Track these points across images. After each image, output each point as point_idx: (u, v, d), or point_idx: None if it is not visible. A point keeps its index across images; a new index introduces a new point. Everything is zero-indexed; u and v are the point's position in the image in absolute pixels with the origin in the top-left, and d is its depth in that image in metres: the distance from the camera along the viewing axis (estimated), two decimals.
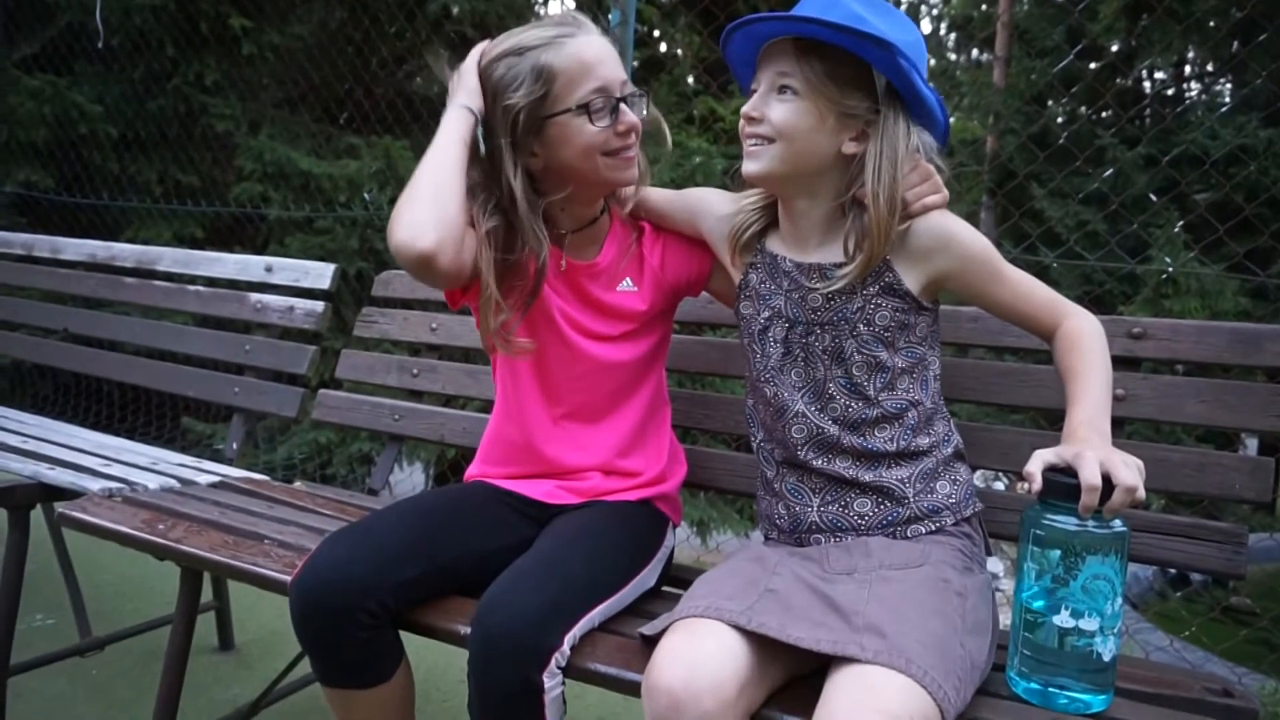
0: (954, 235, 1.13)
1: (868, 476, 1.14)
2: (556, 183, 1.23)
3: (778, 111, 1.10)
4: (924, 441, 1.15)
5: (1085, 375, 1.09)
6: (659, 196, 1.36)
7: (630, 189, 1.31)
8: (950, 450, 1.18)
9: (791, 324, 1.18)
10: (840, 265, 1.14)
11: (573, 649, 1.02)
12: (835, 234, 1.16)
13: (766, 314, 1.21)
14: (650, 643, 1.01)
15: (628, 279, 1.33)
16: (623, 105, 1.20)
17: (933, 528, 1.13)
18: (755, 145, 1.13)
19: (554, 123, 1.18)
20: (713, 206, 1.31)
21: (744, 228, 1.24)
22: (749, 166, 1.14)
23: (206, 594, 2.05)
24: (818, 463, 1.16)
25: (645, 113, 1.25)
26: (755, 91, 1.14)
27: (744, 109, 1.15)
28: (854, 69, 1.08)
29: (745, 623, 0.93)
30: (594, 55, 1.18)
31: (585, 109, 1.17)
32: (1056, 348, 1.15)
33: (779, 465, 1.22)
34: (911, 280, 1.14)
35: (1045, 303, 1.16)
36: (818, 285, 1.15)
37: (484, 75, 1.20)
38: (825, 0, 1.09)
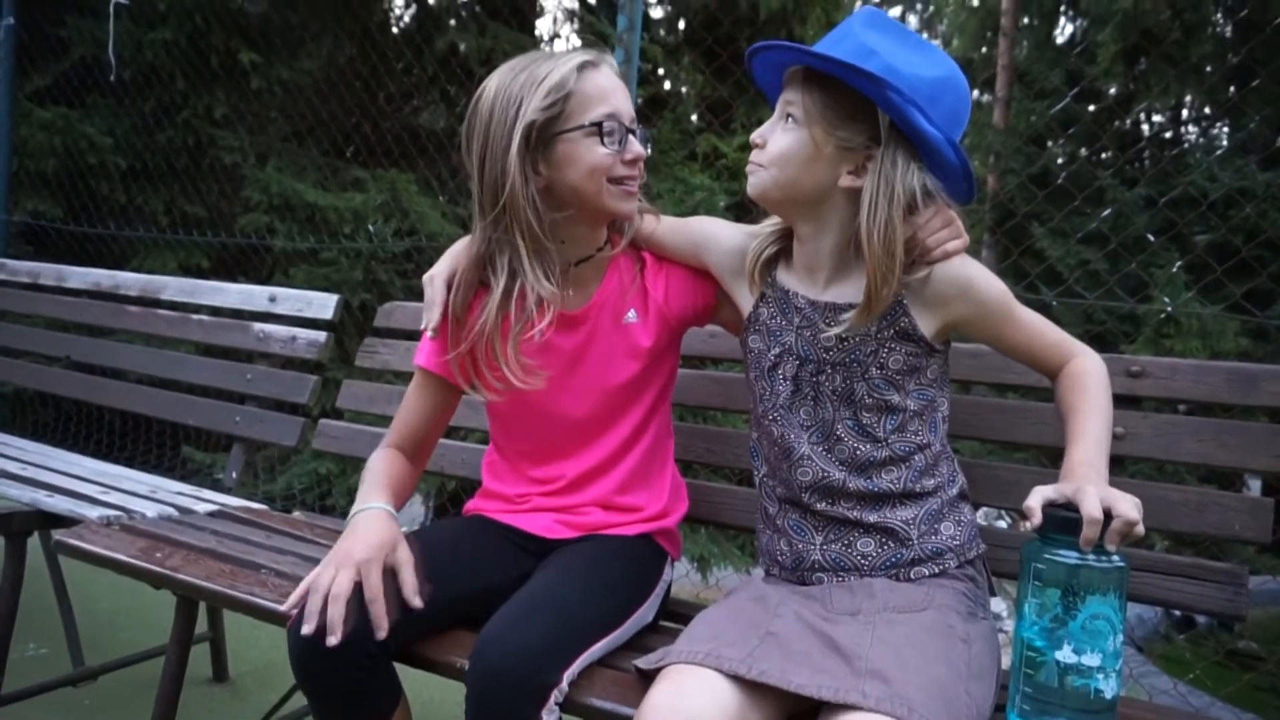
0: (972, 282, 1.12)
1: (872, 517, 1.13)
2: (558, 205, 1.23)
3: (778, 140, 1.11)
4: (929, 483, 1.14)
5: (1085, 414, 1.09)
6: (661, 227, 1.34)
7: (630, 222, 1.31)
8: (955, 491, 1.17)
9: (802, 361, 1.16)
10: (854, 305, 1.11)
11: (570, 685, 1.01)
12: (847, 272, 1.15)
13: (777, 350, 1.19)
14: (644, 676, 1.00)
15: (632, 310, 1.32)
16: (631, 135, 1.22)
17: (936, 570, 1.11)
18: (751, 168, 1.15)
19: (564, 139, 1.18)
20: (718, 239, 1.30)
21: (759, 252, 1.22)
22: (748, 186, 1.16)
23: (201, 625, 2.03)
24: (820, 505, 1.15)
25: (648, 152, 1.27)
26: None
27: (753, 135, 1.15)
28: (857, 102, 1.07)
29: (745, 671, 0.91)
30: (610, 85, 1.21)
31: (598, 128, 1.18)
32: (1059, 385, 1.15)
33: (781, 502, 1.20)
34: (926, 325, 1.12)
35: (1054, 343, 1.16)
36: (830, 327, 1.13)
37: (498, 89, 1.20)
38: (844, 32, 1.10)
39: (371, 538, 1.11)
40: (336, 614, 1.03)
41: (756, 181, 1.14)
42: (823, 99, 1.08)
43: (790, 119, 1.11)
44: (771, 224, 1.24)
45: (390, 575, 1.10)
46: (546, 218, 1.20)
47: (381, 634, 1.04)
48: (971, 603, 1.10)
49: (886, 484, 1.13)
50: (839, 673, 0.90)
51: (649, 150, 1.27)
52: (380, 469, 1.29)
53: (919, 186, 1.08)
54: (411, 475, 1.35)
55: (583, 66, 1.19)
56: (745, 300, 1.26)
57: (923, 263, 1.09)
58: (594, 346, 1.30)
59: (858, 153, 1.09)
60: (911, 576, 1.11)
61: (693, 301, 1.35)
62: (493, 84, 1.22)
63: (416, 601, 1.08)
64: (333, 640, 1.02)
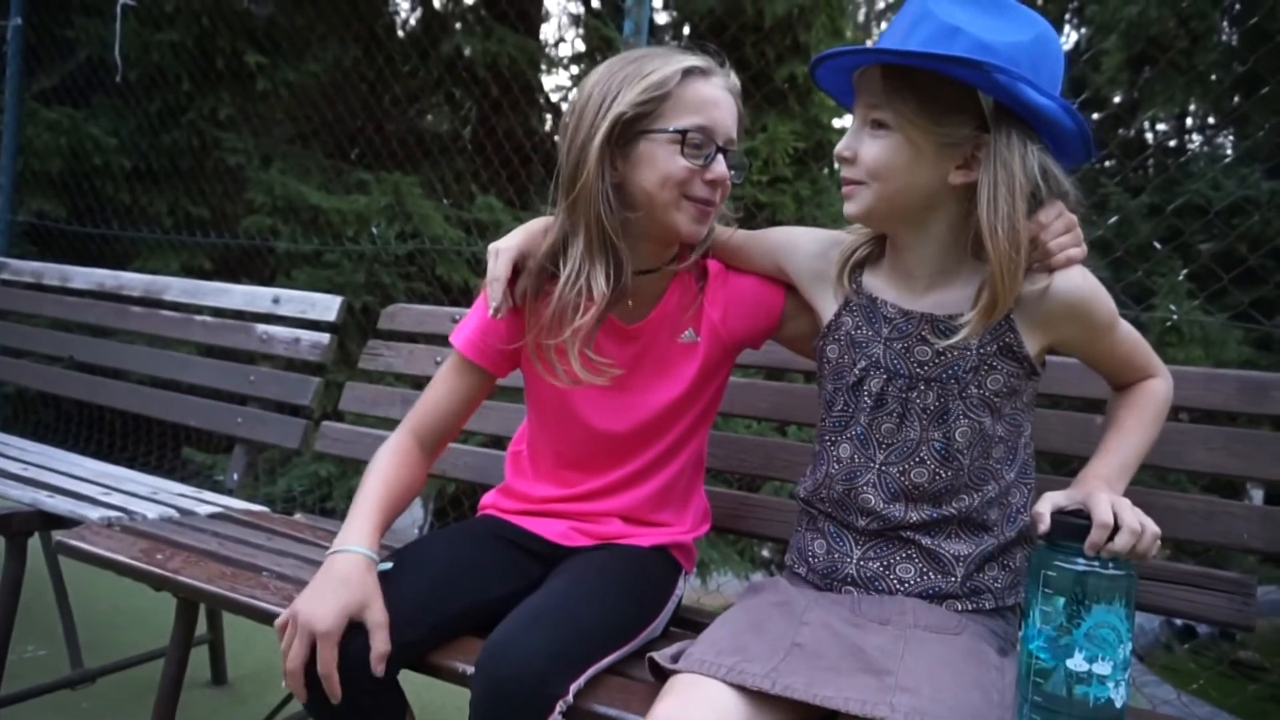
0: (1093, 303, 1.04)
1: (925, 540, 1.08)
2: (628, 205, 1.16)
3: (870, 150, 1.02)
4: (993, 514, 1.08)
5: (1127, 432, 1.07)
6: (737, 235, 1.27)
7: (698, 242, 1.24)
8: (1013, 533, 1.10)
9: (891, 376, 1.08)
10: (955, 317, 1.03)
11: (576, 695, 1.00)
12: (949, 278, 1.07)
13: (863, 364, 1.10)
14: (656, 671, 0.98)
15: (690, 330, 1.26)
16: (721, 155, 1.15)
17: (970, 607, 1.08)
18: (848, 186, 1.05)
19: (647, 139, 1.13)
20: (799, 243, 1.23)
21: (850, 252, 1.14)
22: (847, 208, 1.06)
23: (201, 627, 2.03)
24: (873, 526, 1.10)
25: (740, 179, 1.20)
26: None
27: (837, 148, 1.05)
28: (953, 89, 0.97)
29: (769, 687, 0.88)
30: (713, 96, 1.14)
31: (681, 136, 1.12)
32: (1121, 398, 1.12)
33: (824, 515, 1.15)
34: (1032, 344, 1.05)
35: (1143, 362, 1.11)
36: (933, 340, 1.05)
37: (600, 79, 1.15)
38: (917, 13, 0.99)
39: (337, 600, 1.02)
40: (297, 689, 1.02)
41: (860, 202, 1.04)
42: (914, 97, 0.98)
43: (878, 124, 1.01)
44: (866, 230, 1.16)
45: (394, 620, 1.06)
46: (618, 214, 1.15)
47: (335, 700, 1.01)
48: (1002, 640, 1.07)
49: (950, 509, 1.08)
50: (867, 685, 0.88)
51: (741, 179, 1.20)
52: (380, 478, 1.19)
53: (1039, 168, 0.98)
54: (418, 478, 1.26)
55: (690, 71, 1.13)
56: (827, 307, 1.17)
57: (1043, 269, 1.02)
58: (645, 363, 1.26)
59: (964, 146, 1.00)
60: (943, 608, 1.07)
61: (751, 323, 1.28)
62: (601, 69, 1.16)
63: (379, 669, 1.02)
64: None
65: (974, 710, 0.87)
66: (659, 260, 1.23)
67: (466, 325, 1.27)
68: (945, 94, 0.98)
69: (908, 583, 1.08)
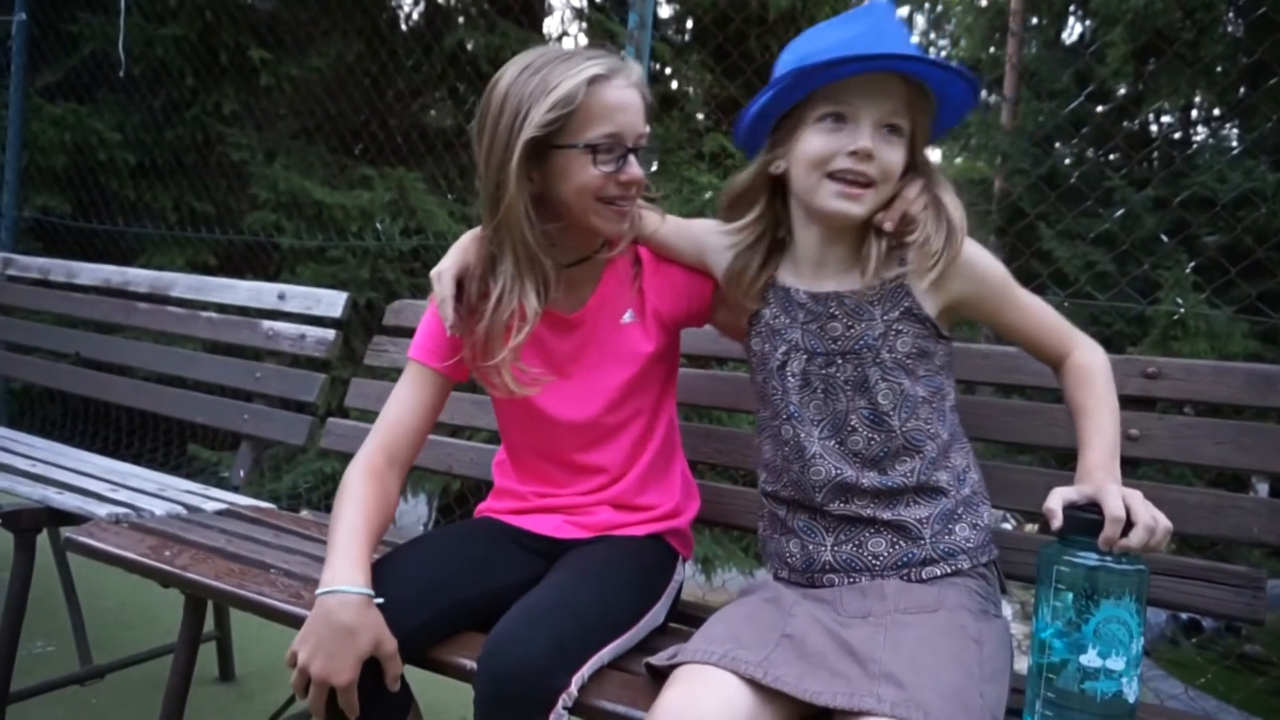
0: (970, 258, 1.11)
1: (886, 515, 1.11)
2: (548, 214, 1.20)
3: (889, 155, 1.08)
4: (942, 476, 1.13)
5: (1097, 414, 1.10)
6: (665, 227, 1.31)
7: (621, 237, 1.26)
8: (968, 490, 1.15)
9: (810, 355, 1.15)
10: (857, 292, 1.13)
11: (579, 688, 1.01)
12: (852, 261, 1.15)
13: (783, 348, 1.17)
14: (655, 674, 0.99)
15: (630, 311, 1.30)
16: (631, 156, 1.17)
17: (949, 570, 1.10)
18: (858, 189, 1.08)
19: (559, 153, 1.16)
20: (725, 241, 1.26)
21: (745, 270, 1.20)
22: (851, 208, 1.09)
23: (208, 624, 2.03)
24: (834, 505, 1.13)
25: (650, 169, 1.24)
26: (832, 117, 1.08)
27: (860, 145, 1.06)
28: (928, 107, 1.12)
29: (761, 676, 0.91)
30: (619, 101, 1.15)
31: (593, 150, 1.15)
32: (1066, 381, 1.16)
33: (789, 505, 1.19)
34: (930, 305, 1.12)
35: (1056, 331, 1.17)
36: (840, 316, 1.13)
37: (509, 88, 1.16)
38: (900, 30, 1.09)
39: (349, 655, 1.02)
40: (319, 716, 1.04)
41: (867, 204, 1.09)
42: (927, 110, 1.11)
43: (892, 129, 1.08)
44: (738, 239, 1.20)
45: (398, 607, 1.08)
46: (539, 227, 1.18)
47: (353, 717, 1.04)
48: (984, 599, 1.09)
49: (900, 478, 1.11)
50: (853, 677, 0.90)
51: (652, 167, 1.25)
52: (358, 507, 1.16)
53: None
54: (393, 500, 1.24)
55: (594, 80, 1.13)
56: (750, 303, 1.23)
57: (909, 232, 1.10)
58: (591, 349, 1.29)
59: (915, 156, 1.12)
60: (924, 577, 1.10)
61: (686, 305, 1.32)
62: (507, 76, 1.17)
63: (395, 688, 1.07)
64: None
65: (956, 687, 0.88)
66: (588, 249, 1.27)
67: (422, 337, 1.30)
68: (933, 111, 1.13)
69: (881, 556, 1.11)
